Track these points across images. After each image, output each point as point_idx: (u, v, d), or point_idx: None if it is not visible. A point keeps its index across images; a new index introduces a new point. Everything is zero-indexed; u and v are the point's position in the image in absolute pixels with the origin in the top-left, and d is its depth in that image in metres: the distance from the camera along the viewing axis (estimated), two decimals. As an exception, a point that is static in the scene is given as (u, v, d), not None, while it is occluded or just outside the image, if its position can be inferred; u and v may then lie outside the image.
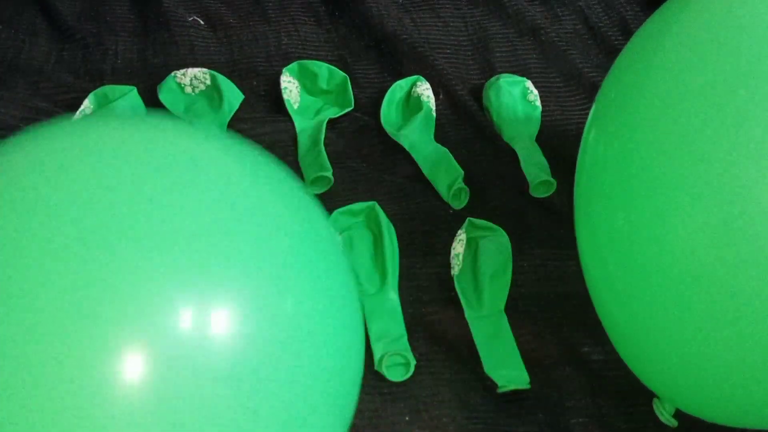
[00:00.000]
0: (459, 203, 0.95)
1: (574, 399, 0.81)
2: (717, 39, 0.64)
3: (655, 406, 0.77)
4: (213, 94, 1.01)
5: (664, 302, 0.65)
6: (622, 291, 0.69)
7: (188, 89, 1.01)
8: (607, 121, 0.72)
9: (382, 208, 0.90)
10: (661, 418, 0.76)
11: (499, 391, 0.79)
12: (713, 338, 0.63)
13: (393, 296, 0.86)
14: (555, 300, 0.87)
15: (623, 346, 0.74)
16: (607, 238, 0.70)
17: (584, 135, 0.75)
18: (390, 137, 1.01)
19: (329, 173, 0.95)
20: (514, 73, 1.09)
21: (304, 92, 1.04)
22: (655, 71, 0.67)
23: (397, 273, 0.87)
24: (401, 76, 1.07)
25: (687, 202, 0.62)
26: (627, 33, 1.16)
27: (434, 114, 1.03)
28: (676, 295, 0.64)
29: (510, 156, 1.00)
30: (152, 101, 1.00)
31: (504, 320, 0.85)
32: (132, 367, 0.49)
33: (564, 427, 0.79)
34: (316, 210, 0.64)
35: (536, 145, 1.01)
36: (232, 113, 1.00)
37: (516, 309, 0.86)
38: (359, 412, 0.78)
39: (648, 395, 0.78)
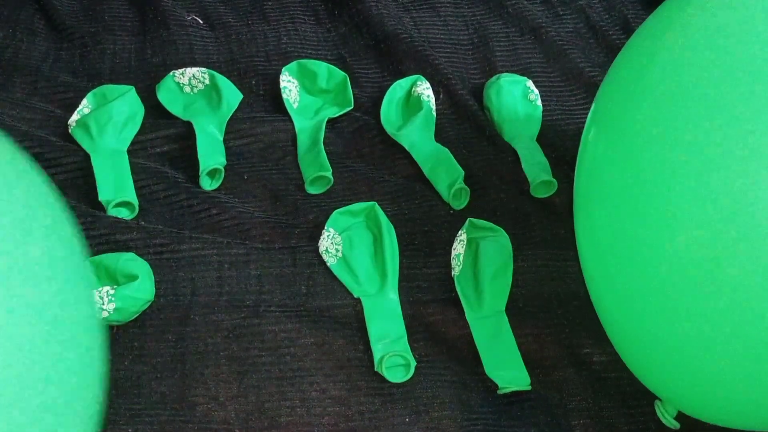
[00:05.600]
0: (459, 203, 0.94)
1: (576, 400, 0.80)
2: (717, 37, 0.64)
3: (656, 408, 0.76)
4: (212, 93, 1.00)
5: (665, 304, 0.64)
6: (623, 292, 0.68)
7: (187, 89, 1.01)
8: (606, 120, 0.72)
9: (382, 208, 0.90)
10: (663, 420, 0.75)
11: (500, 392, 0.79)
12: (715, 339, 0.63)
13: (393, 297, 0.85)
14: (556, 301, 0.87)
15: (624, 348, 0.74)
16: (606, 239, 0.69)
17: (584, 134, 0.75)
18: (390, 137, 1.00)
19: (329, 173, 0.94)
20: (514, 72, 1.09)
21: (304, 92, 1.04)
22: (655, 69, 0.67)
23: (397, 273, 0.86)
24: (401, 75, 1.06)
25: (688, 201, 0.62)
26: (628, 32, 1.16)
27: (434, 114, 1.02)
28: (677, 297, 0.64)
29: (511, 156, 0.99)
30: (151, 101, 1.00)
31: (505, 321, 0.84)
32: None
33: (565, 428, 0.79)
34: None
35: (537, 144, 1.00)
36: (231, 113, 0.99)
37: (517, 310, 0.86)
38: (359, 414, 0.77)
39: (650, 396, 0.77)
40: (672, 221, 0.63)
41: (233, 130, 0.99)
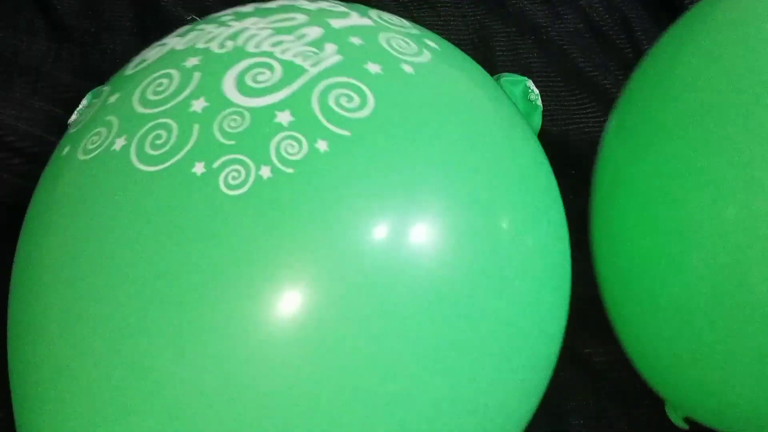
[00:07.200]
0: (460, 203, 0.94)
1: (576, 400, 0.80)
2: (745, 43, 0.63)
3: (667, 408, 0.75)
4: (212, 93, 1.00)
5: (683, 309, 0.64)
6: (639, 293, 0.68)
7: (187, 89, 1.01)
8: (629, 126, 0.71)
9: (383, 208, 0.89)
10: (673, 420, 0.74)
11: (502, 393, 0.79)
12: (732, 346, 0.62)
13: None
14: (557, 301, 0.87)
15: (634, 348, 0.73)
16: (625, 236, 0.69)
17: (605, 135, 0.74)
18: (390, 137, 1.00)
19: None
20: (514, 72, 1.08)
21: (304, 92, 1.04)
22: (679, 78, 0.66)
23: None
24: (401, 75, 1.06)
25: (711, 200, 0.61)
26: (629, 32, 1.15)
27: (435, 113, 1.02)
28: (695, 304, 0.63)
29: (511, 156, 0.99)
30: (151, 101, 1.00)
31: (506, 322, 0.84)
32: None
33: (565, 428, 0.79)
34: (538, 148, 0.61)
35: (537, 144, 1.00)
36: (232, 113, 0.99)
37: (518, 310, 0.85)
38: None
39: (651, 397, 0.77)
40: (695, 221, 0.62)
41: (234, 131, 0.99)
